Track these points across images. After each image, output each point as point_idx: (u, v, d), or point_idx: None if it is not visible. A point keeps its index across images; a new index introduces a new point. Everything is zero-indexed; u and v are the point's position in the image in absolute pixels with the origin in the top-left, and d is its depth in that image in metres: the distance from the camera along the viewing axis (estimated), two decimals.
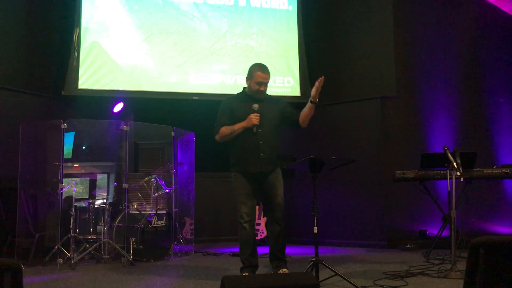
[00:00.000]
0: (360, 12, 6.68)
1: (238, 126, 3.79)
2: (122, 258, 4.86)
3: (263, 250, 4.74)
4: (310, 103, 3.79)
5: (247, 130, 3.77)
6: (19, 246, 4.90)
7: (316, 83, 3.65)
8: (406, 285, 3.65)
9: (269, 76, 3.93)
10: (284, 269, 3.86)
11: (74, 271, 4.51)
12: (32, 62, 6.09)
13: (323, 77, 3.64)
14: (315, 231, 3.56)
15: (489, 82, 6.62)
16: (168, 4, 6.75)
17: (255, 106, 3.77)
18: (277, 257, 3.91)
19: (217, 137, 3.91)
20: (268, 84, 6.98)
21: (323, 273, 3.63)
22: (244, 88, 4.04)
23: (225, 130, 3.83)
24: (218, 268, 4.62)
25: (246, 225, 3.82)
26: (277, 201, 3.85)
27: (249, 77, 3.91)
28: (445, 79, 6.49)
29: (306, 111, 3.85)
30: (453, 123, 6.41)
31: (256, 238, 6.14)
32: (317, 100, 3.75)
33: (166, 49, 6.64)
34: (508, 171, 5.25)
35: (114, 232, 5.19)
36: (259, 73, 3.86)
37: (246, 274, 3.82)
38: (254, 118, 3.72)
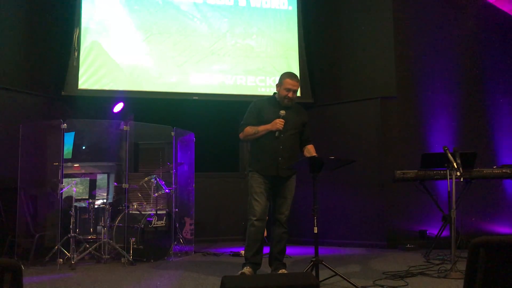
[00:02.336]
0: (360, 12, 6.68)
1: (263, 128, 3.90)
2: (122, 258, 4.86)
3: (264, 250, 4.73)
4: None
5: (270, 133, 3.88)
6: (19, 246, 4.90)
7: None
8: (406, 285, 3.65)
9: (298, 84, 4.04)
10: (283, 270, 3.86)
11: (74, 271, 4.51)
12: (32, 62, 6.09)
13: None
14: (315, 231, 3.56)
15: (489, 82, 6.62)
16: (168, 4, 6.75)
17: (282, 112, 3.87)
18: (277, 259, 3.95)
19: (241, 135, 4.04)
20: (268, 84, 6.97)
21: (323, 273, 3.63)
22: (275, 93, 4.14)
23: (249, 129, 3.95)
24: (218, 268, 4.62)
25: (256, 222, 3.88)
26: (287, 204, 3.98)
27: (279, 84, 4.02)
28: (445, 79, 6.49)
29: (306, 152, 4.05)
30: (453, 123, 6.41)
31: None
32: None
33: (166, 49, 6.64)
34: (508, 171, 5.25)
35: (114, 232, 5.19)
36: (288, 79, 3.96)
37: (248, 268, 3.83)
38: (279, 123, 3.83)
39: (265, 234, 6.20)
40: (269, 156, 3.92)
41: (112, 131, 5.72)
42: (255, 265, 3.91)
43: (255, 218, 3.88)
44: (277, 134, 3.86)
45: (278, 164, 3.89)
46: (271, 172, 3.92)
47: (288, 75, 4.01)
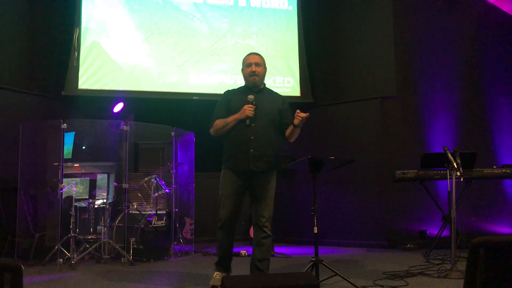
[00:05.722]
0: (360, 12, 6.68)
1: (232, 118, 3.54)
2: (122, 258, 4.86)
3: None
4: (293, 126, 3.53)
5: (241, 123, 3.51)
6: (19, 246, 4.91)
7: (302, 116, 3.41)
8: (406, 285, 3.65)
9: (259, 56, 3.73)
10: None
11: (74, 271, 4.51)
12: (32, 62, 6.09)
13: (307, 114, 3.43)
14: (315, 231, 3.56)
15: (489, 82, 6.63)
16: (168, 4, 6.75)
17: (251, 97, 3.52)
18: (258, 268, 3.51)
19: (211, 130, 3.67)
20: (268, 84, 6.98)
21: (323, 273, 3.63)
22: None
23: (218, 123, 3.60)
24: None
25: (221, 227, 3.60)
26: (266, 205, 3.54)
27: (242, 67, 3.76)
28: (445, 79, 6.49)
29: (290, 129, 3.59)
30: (453, 123, 6.41)
31: None
32: (300, 125, 3.50)
33: (166, 49, 6.64)
34: (508, 171, 5.25)
35: (114, 232, 5.19)
36: (247, 57, 3.74)
37: (219, 272, 3.63)
38: (248, 109, 3.47)
39: None
40: (239, 148, 3.52)
41: (112, 131, 5.72)
42: (225, 268, 3.70)
43: (219, 224, 3.60)
44: (247, 122, 3.46)
45: (250, 156, 3.48)
46: (242, 166, 3.52)
47: (247, 54, 3.78)
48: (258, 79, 3.68)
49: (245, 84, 3.78)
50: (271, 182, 3.59)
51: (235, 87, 3.95)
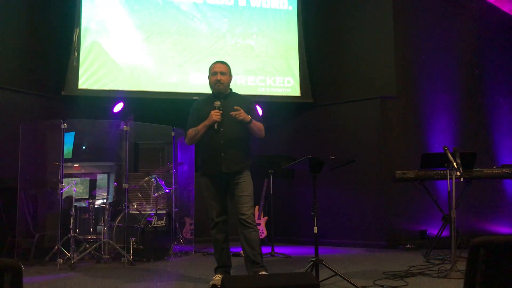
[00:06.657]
0: (360, 12, 6.68)
1: (201, 126, 3.69)
2: (122, 258, 4.86)
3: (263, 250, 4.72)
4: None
5: (212, 129, 3.65)
6: (19, 246, 4.90)
7: (235, 113, 3.60)
8: (406, 285, 3.65)
9: (224, 65, 3.87)
10: (263, 272, 3.60)
11: (74, 271, 4.51)
12: (32, 62, 6.09)
13: (239, 111, 3.61)
14: (315, 231, 3.56)
15: (489, 82, 6.63)
16: (168, 4, 6.75)
17: (217, 103, 3.67)
18: (254, 262, 3.62)
19: (186, 140, 3.85)
20: (268, 84, 6.93)
21: (323, 273, 3.63)
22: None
23: (191, 132, 3.76)
24: None
25: (213, 229, 3.75)
26: (245, 202, 3.64)
27: (208, 75, 3.87)
28: (445, 79, 6.49)
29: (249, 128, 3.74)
30: (453, 123, 6.41)
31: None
32: (249, 119, 3.66)
33: (166, 49, 6.64)
34: (508, 171, 5.25)
35: (114, 232, 5.20)
36: (212, 65, 3.87)
37: (220, 275, 3.70)
38: (215, 114, 3.61)
39: (265, 234, 6.23)
40: (211, 153, 3.68)
41: (112, 131, 5.72)
42: (226, 268, 3.78)
43: (212, 224, 3.75)
44: (216, 126, 3.61)
45: (221, 160, 3.63)
46: (215, 170, 3.67)
47: (213, 62, 3.91)
48: (223, 87, 3.81)
49: (212, 92, 3.90)
50: (246, 180, 3.70)
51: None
